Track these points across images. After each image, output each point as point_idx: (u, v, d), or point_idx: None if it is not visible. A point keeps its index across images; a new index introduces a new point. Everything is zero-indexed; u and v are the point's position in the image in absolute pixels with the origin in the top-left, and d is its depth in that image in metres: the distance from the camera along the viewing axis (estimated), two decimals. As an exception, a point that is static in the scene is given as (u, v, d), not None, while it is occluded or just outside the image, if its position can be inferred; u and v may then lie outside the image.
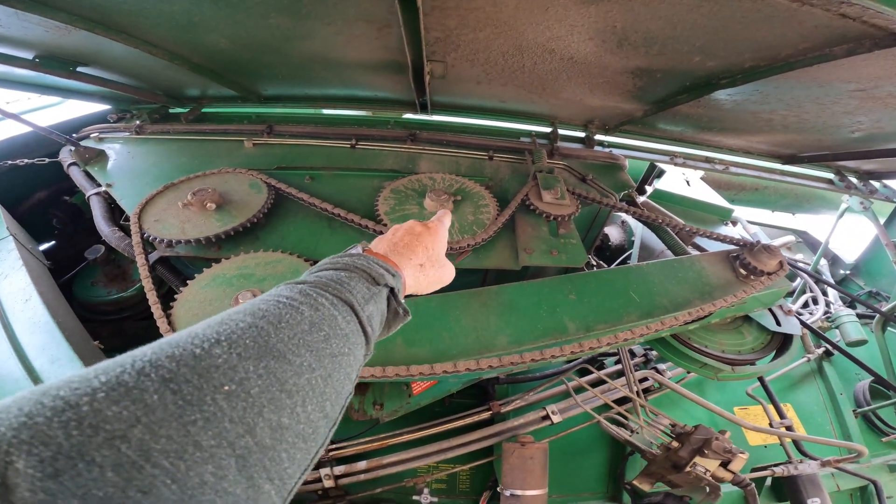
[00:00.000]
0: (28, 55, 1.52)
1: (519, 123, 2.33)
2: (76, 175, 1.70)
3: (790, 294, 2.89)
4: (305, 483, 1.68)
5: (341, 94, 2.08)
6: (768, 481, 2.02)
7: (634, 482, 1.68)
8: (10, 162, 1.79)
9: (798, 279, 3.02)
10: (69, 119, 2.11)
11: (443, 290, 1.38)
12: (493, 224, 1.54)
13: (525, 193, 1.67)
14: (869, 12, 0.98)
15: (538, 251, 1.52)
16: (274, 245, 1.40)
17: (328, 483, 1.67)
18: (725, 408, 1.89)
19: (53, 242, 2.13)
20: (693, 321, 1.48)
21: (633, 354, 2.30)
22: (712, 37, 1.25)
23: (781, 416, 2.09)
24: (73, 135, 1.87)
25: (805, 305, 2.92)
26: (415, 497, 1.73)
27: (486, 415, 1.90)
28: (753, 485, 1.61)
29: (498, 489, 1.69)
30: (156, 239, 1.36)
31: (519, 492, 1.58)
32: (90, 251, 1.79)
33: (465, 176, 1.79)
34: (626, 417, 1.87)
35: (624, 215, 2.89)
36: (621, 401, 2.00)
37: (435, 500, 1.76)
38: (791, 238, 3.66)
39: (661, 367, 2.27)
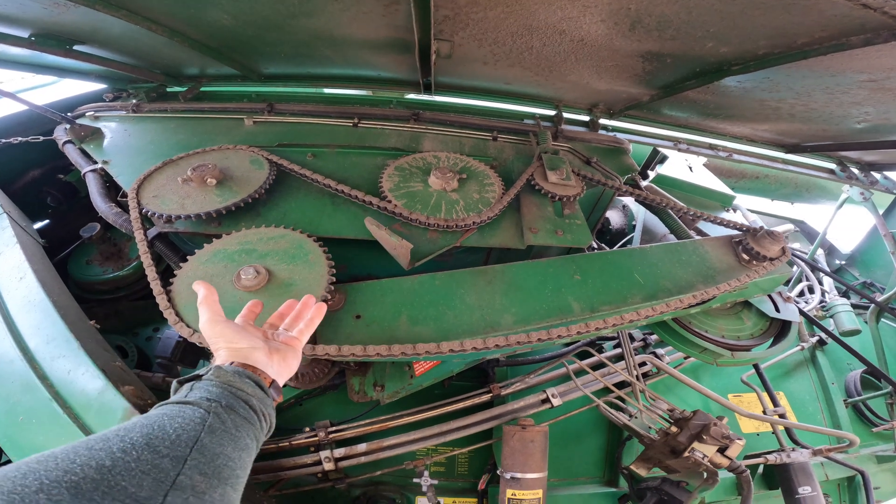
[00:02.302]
0: (24, 33, 1.47)
1: (523, 106, 2.30)
2: (72, 153, 1.66)
3: (787, 282, 2.92)
4: (305, 466, 1.67)
5: (344, 73, 2.04)
6: (760, 469, 2.06)
7: (631, 467, 1.69)
8: (3, 140, 1.74)
9: (795, 267, 3.04)
10: (64, 98, 2.07)
11: (448, 266, 1.39)
12: (498, 202, 1.53)
13: (530, 173, 1.66)
14: (891, 3, 0.97)
15: (543, 231, 1.51)
16: (276, 221, 1.38)
17: (328, 466, 1.66)
18: (720, 394, 1.91)
19: (48, 221, 2.08)
20: (696, 305, 1.49)
21: (632, 338, 2.31)
22: (728, 22, 1.23)
23: (775, 403, 2.12)
24: (69, 113, 1.82)
25: (801, 294, 2.96)
26: (415, 479, 1.72)
27: (486, 397, 1.90)
28: (748, 471, 1.62)
29: (497, 472, 1.69)
30: (154, 214, 1.33)
31: (519, 474, 1.58)
32: (85, 229, 1.75)
33: (469, 156, 1.77)
34: (624, 402, 1.88)
35: (625, 200, 2.91)
36: (620, 385, 2.01)
37: (435, 482, 1.75)
38: (790, 227, 3.70)
39: (660, 351, 2.29)
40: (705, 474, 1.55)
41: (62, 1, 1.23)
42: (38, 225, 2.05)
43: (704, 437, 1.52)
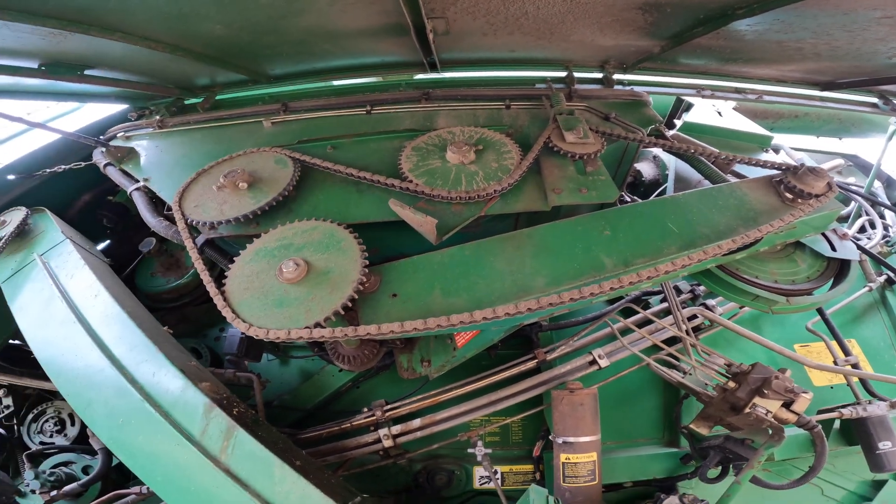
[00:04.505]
0: (33, 64, 1.55)
1: (533, 71, 2.25)
2: (114, 174, 1.79)
3: (844, 219, 2.70)
4: (367, 445, 1.78)
5: (348, 63, 2.07)
6: (836, 424, 1.91)
7: (691, 426, 1.65)
8: (48, 170, 1.88)
9: (852, 203, 2.81)
10: (92, 122, 2.18)
11: (478, 237, 1.40)
12: (517, 169, 1.52)
13: (547, 136, 1.64)
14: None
15: (567, 190, 1.50)
16: (307, 215, 1.45)
17: (387, 443, 1.76)
18: (784, 346, 1.80)
19: (108, 242, 2.27)
20: (739, 249, 1.43)
21: (678, 291, 2.22)
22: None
23: (846, 352, 1.96)
24: (101, 136, 1.95)
25: (862, 230, 2.72)
26: (469, 450, 1.78)
27: (531, 364, 1.92)
28: (820, 427, 1.54)
29: (550, 437, 1.72)
30: (198, 223, 1.43)
31: (571, 439, 1.58)
32: (143, 244, 1.91)
33: (483, 127, 1.76)
34: (676, 358, 1.82)
35: (655, 150, 2.79)
36: (670, 341, 1.94)
37: (489, 451, 1.80)
38: (840, 161, 3.41)
39: (711, 302, 2.18)
40: (770, 431, 1.47)
41: (57, 31, 1.30)
42: (100, 246, 2.24)
43: (766, 391, 1.45)
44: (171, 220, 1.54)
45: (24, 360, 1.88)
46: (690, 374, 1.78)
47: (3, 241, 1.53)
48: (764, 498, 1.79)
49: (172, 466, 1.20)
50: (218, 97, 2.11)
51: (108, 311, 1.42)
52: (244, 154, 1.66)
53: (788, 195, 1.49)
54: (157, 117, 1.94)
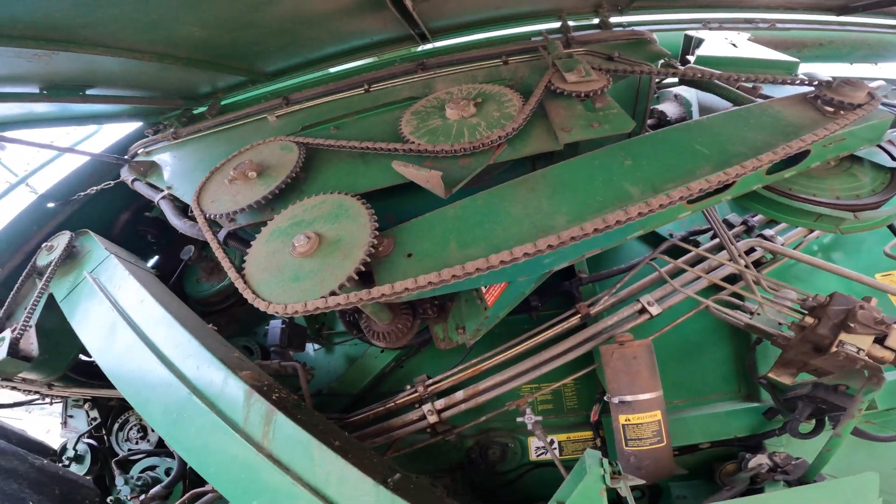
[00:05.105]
0: (34, 89, 1.62)
1: (527, 27, 2.19)
2: (141, 188, 1.91)
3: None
4: (413, 423, 1.74)
5: (340, 49, 2.10)
6: None
7: (770, 375, 1.46)
8: (81, 193, 2.02)
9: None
10: (113, 143, 2.31)
11: (488, 184, 1.34)
12: (520, 113, 1.47)
13: (547, 80, 1.57)
14: None
15: (577, 127, 1.43)
16: (318, 192, 1.44)
17: (432, 418, 1.72)
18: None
19: (157, 258, 2.42)
20: (785, 166, 1.32)
21: (729, 226, 2.04)
22: None
23: None
24: (125, 156, 2.08)
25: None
26: (518, 419, 1.68)
27: (575, 320, 1.78)
28: None
29: (606, 399, 1.58)
30: (217, 216, 1.48)
31: (629, 397, 1.44)
32: (183, 252, 2.02)
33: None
34: (740, 298, 1.65)
35: (675, 89, 2.62)
36: (729, 280, 1.76)
37: (539, 418, 1.68)
38: (881, 82, 3.04)
39: (769, 232, 1.97)
40: (866, 372, 1.27)
41: (41, 51, 1.35)
42: (150, 262, 2.38)
43: (851, 325, 1.25)
44: (195, 220, 1.60)
45: (99, 374, 2.03)
46: (759, 315, 1.58)
47: (53, 263, 1.65)
48: (872, 455, 1.59)
49: (221, 456, 1.23)
50: (223, 102, 2.20)
51: (154, 314, 1.50)
52: (251, 148, 1.71)
53: (828, 108, 1.38)
54: (171, 130, 2.04)
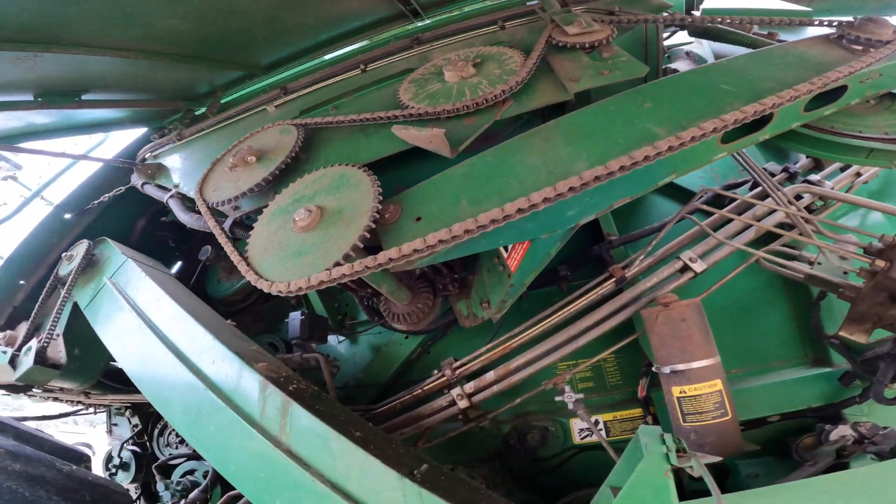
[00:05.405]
0: (28, 96, 1.61)
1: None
2: (151, 190, 1.92)
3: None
4: (443, 409, 1.63)
5: (332, 34, 2.06)
6: None
7: (842, 334, 1.26)
8: (95, 202, 2.05)
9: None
10: (121, 149, 2.33)
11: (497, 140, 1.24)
12: (523, 67, 1.38)
13: (548, 35, 1.49)
14: None
15: (586, 76, 1.35)
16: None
17: (462, 403, 1.58)
18: None
19: (180, 263, 2.44)
20: (825, 102, 1.24)
21: (769, 175, 1.85)
22: None
23: None
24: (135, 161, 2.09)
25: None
26: (557, 398, 1.50)
27: (609, 285, 1.59)
28: None
29: (654, 370, 1.39)
30: (220, 203, 1.45)
31: (681, 366, 1.24)
32: (201, 253, 2.02)
33: (481, 47, 1.63)
34: (796, 247, 1.45)
35: (686, 47, 2.47)
36: (772, 238, 1.56)
37: (580, 395, 1.50)
38: None
39: (815, 177, 1.77)
40: None
41: (22, 54, 1.34)
42: (174, 269, 2.39)
43: None
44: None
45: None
46: (820, 264, 1.38)
47: (74, 272, 1.68)
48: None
49: (240, 454, 1.18)
50: (223, 100, 2.21)
51: (170, 312, 1.48)
52: (250, 136, 1.68)
53: (856, 46, 1.32)
54: (176, 132, 2.06)
